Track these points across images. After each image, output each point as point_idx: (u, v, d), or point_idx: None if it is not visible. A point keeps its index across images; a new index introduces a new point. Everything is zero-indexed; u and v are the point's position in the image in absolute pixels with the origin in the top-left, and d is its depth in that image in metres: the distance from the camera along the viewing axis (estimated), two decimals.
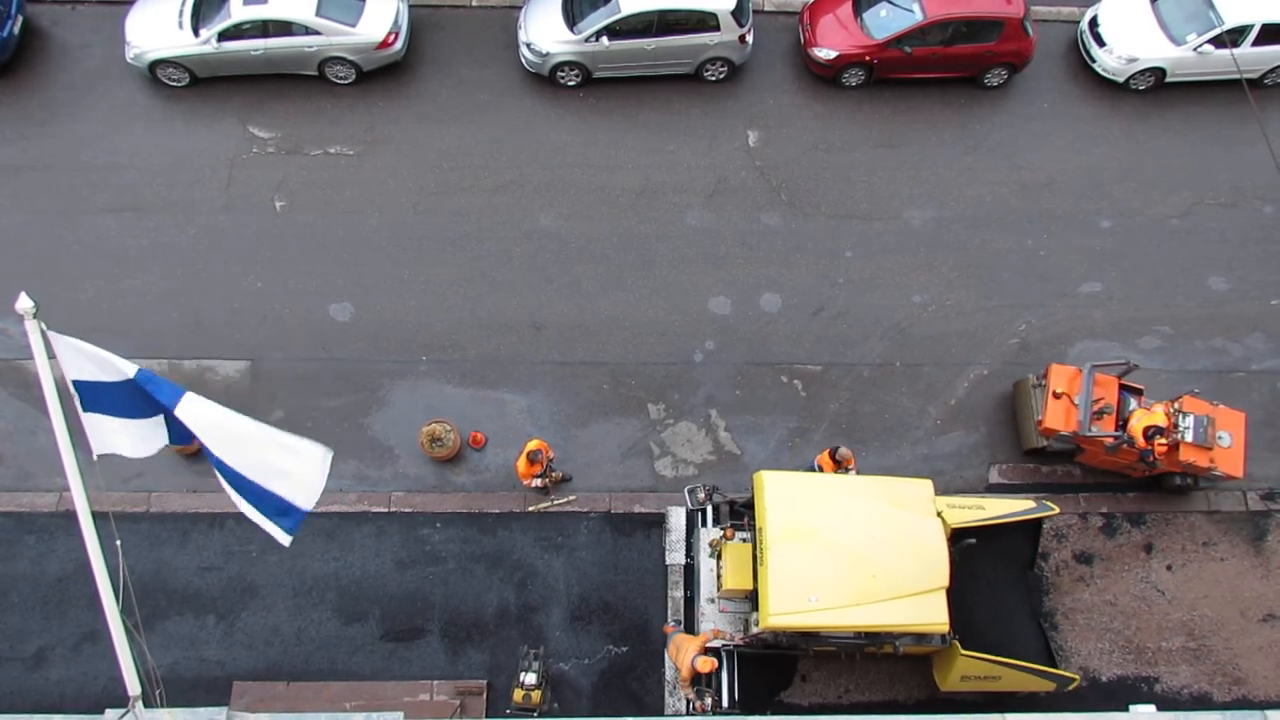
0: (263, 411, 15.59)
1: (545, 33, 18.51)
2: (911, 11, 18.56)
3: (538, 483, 15.27)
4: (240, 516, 15.53)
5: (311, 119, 18.51)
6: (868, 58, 18.79)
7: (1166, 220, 18.55)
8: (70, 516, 14.04)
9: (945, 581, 13.21)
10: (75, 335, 9.22)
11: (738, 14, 18.30)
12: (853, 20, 18.89)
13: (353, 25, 18.06)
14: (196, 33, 17.90)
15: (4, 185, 17.60)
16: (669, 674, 14.49)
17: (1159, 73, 19.26)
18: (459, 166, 18.25)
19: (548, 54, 18.51)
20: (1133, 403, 15.70)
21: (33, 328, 8.95)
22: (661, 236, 17.86)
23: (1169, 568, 16.14)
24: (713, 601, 14.14)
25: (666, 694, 14.50)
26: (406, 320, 16.98)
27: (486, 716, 14.44)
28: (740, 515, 14.61)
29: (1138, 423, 15.10)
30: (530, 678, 13.89)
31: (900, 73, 19.17)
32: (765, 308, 17.43)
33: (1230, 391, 17.18)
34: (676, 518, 15.14)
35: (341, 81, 18.77)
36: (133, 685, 9.52)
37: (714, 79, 19.27)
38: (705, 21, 18.28)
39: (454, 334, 16.94)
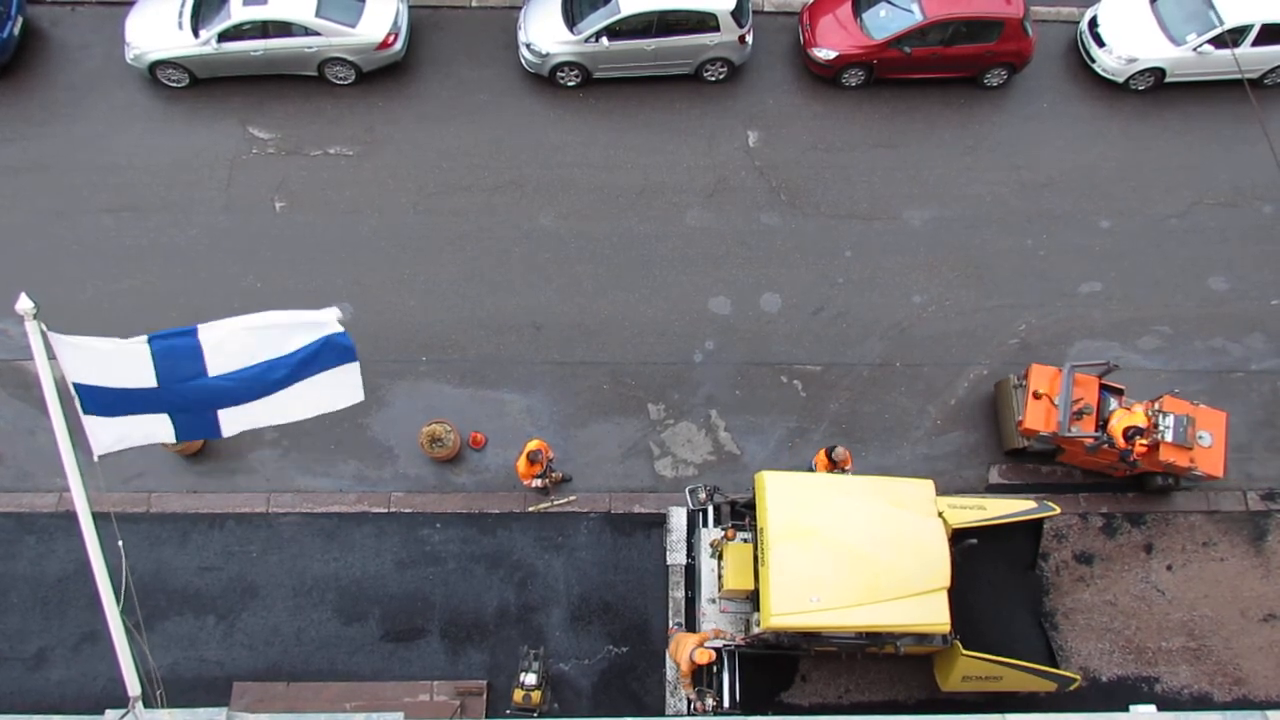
0: None
1: (545, 33, 18.52)
2: (911, 12, 18.56)
3: (538, 483, 15.27)
4: (240, 517, 15.65)
5: (311, 119, 18.51)
6: (868, 58, 18.79)
7: (1166, 220, 18.55)
8: (70, 517, 14.04)
9: (946, 582, 13.21)
10: (75, 335, 9.22)
11: (737, 14, 18.31)
12: (852, 20, 18.89)
13: (352, 26, 18.06)
14: (196, 33, 17.90)
15: (4, 186, 17.60)
16: (670, 674, 14.49)
17: (1159, 73, 19.26)
18: (459, 166, 18.25)
19: (547, 54, 18.51)
20: (1113, 403, 15.64)
21: (33, 328, 8.95)
22: (661, 236, 17.86)
23: (1169, 568, 16.14)
24: (714, 602, 14.14)
25: (668, 694, 14.50)
26: (406, 320, 16.98)
27: (486, 717, 14.44)
28: (741, 515, 14.61)
29: (1118, 423, 15.05)
30: (530, 678, 13.89)
31: (900, 73, 19.17)
32: (765, 307, 17.43)
33: (1230, 391, 17.19)
34: (677, 518, 15.14)
35: (341, 82, 18.77)
36: (133, 685, 9.52)
37: (714, 79, 19.27)
38: (705, 22, 18.28)
39: (454, 334, 16.94)
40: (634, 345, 17.02)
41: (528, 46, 18.65)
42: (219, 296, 16.92)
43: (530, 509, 15.84)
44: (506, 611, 15.21)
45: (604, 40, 18.27)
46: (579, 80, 18.94)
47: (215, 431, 10.15)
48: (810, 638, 13.52)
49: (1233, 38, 18.50)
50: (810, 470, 15.25)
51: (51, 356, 9.10)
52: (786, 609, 12.83)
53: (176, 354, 9.45)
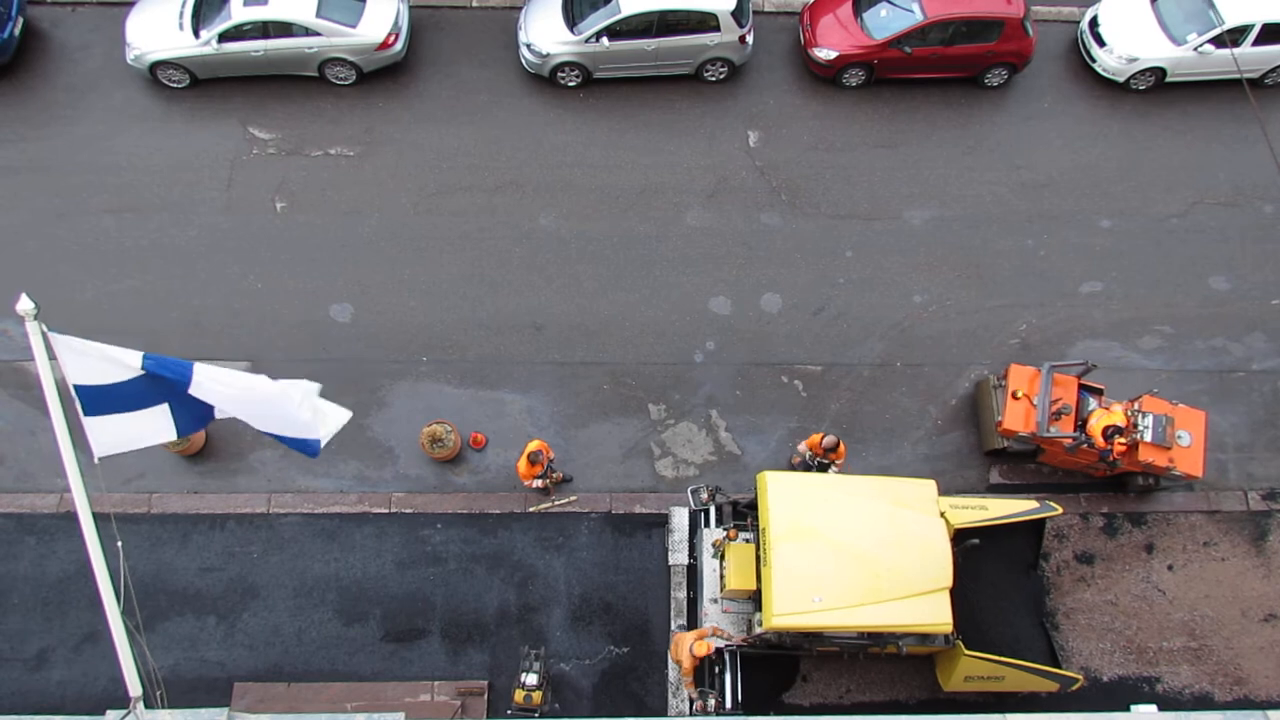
0: None
1: (545, 33, 18.51)
2: (911, 11, 18.56)
3: (538, 483, 15.26)
4: (241, 518, 15.66)
5: (312, 120, 18.51)
6: (868, 58, 18.79)
7: (1167, 220, 18.55)
8: (71, 517, 14.02)
9: (949, 582, 13.20)
10: (76, 336, 9.21)
11: (738, 14, 18.31)
12: (853, 20, 18.89)
13: (353, 26, 18.06)
14: (197, 34, 17.90)
15: (4, 186, 17.60)
16: (672, 675, 14.48)
17: (1159, 72, 19.26)
18: (459, 167, 18.25)
19: (548, 54, 18.51)
20: (1092, 403, 15.58)
21: (33, 329, 8.95)
22: (662, 236, 17.86)
23: (1170, 568, 16.14)
24: (716, 602, 14.13)
25: (669, 695, 14.49)
26: (407, 321, 16.98)
27: (487, 717, 14.43)
28: (743, 516, 14.61)
29: (1096, 423, 15.01)
30: (531, 678, 13.90)
31: (900, 73, 19.17)
32: (765, 308, 17.43)
33: (1231, 391, 17.19)
34: (679, 518, 15.14)
35: (342, 82, 18.77)
36: (134, 686, 9.52)
37: (714, 79, 19.27)
38: (705, 22, 18.28)
39: (454, 334, 16.94)
40: (634, 345, 17.02)
41: (528, 47, 18.65)
42: (219, 297, 16.93)
43: (531, 509, 15.83)
44: (507, 612, 15.21)
45: (604, 40, 18.27)
46: (579, 80, 18.94)
47: (209, 412, 10.19)
48: (812, 638, 13.52)
49: (1233, 37, 18.51)
50: (800, 454, 15.21)
51: (52, 357, 9.10)
52: (789, 609, 12.83)
53: (166, 366, 9.55)
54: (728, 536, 14.06)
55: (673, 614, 14.77)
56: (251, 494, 15.73)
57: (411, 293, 17.18)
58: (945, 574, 13.21)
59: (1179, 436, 15.33)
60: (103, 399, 9.54)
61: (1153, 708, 12.95)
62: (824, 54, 18.89)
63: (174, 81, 18.44)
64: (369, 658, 14.88)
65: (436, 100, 18.88)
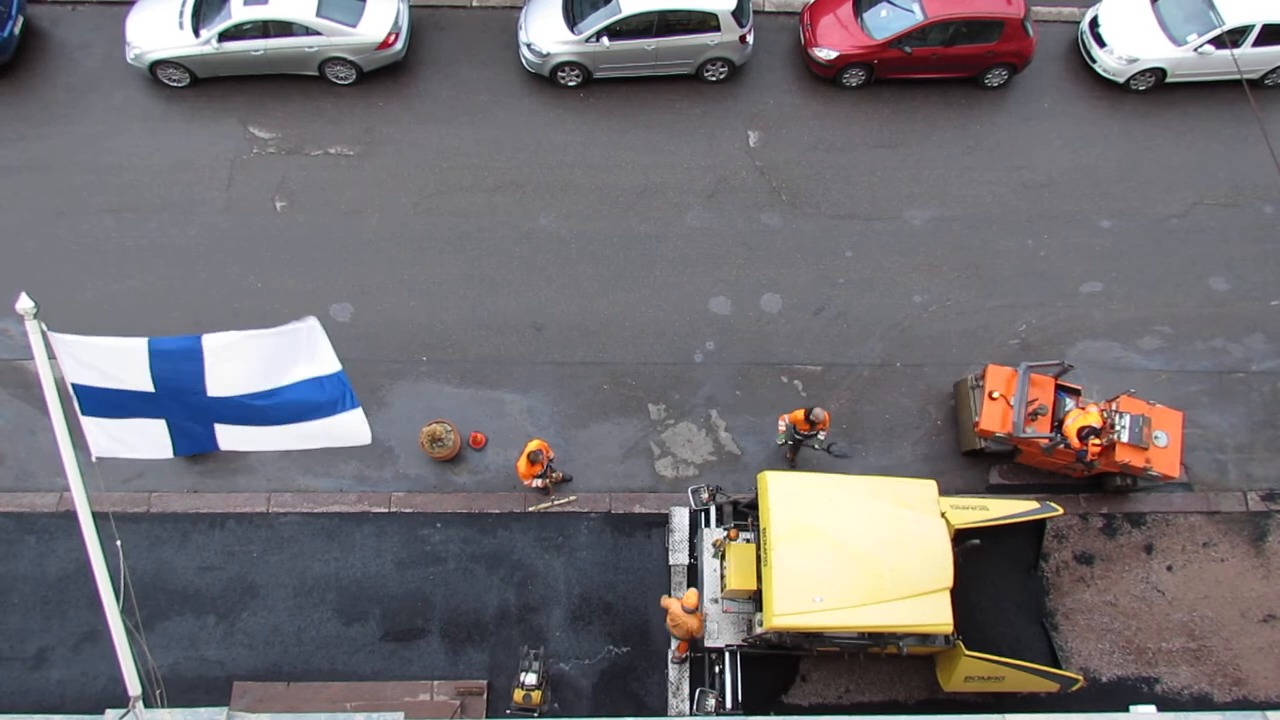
0: None
1: (546, 33, 18.51)
2: (912, 12, 18.56)
3: (538, 483, 15.26)
4: (241, 517, 15.65)
5: (312, 119, 18.50)
6: (868, 58, 18.79)
7: (1167, 220, 18.55)
8: (70, 516, 14.04)
9: (949, 582, 13.20)
10: (76, 335, 9.21)
11: (738, 14, 18.30)
12: (853, 20, 18.89)
13: (353, 26, 18.06)
14: (197, 33, 17.90)
15: (4, 186, 17.59)
16: (672, 675, 14.48)
17: (1159, 73, 19.26)
18: (459, 166, 18.25)
19: (548, 54, 18.51)
20: (1069, 403, 15.53)
21: (33, 328, 8.94)
22: (662, 236, 17.85)
23: (1169, 568, 16.14)
24: (716, 602, 14.13)
25: (669, 695, 14.49)
26: (407, 320, 16.98)
27: (486, 717, 14.44)
28: (744, 516, 14.61)
29: (1072, 423, 14.95)
30: (530, 678, 13.89)
31: (900, 73, 19.17)
32: (765, 308, 17.43)
33: (1230, 392, 17.20)
34: (680, 518, 15.14)
35: (342, 82, 18.77)
36: (133, 685, 9.51)
37: (714, 79, 19.27)
38: (706, 22, 18.28)
39: (454, 334, 16.93)
40: (634, 345, 17.02)
41: (528, 46, 18.65)
42: (219, 296, 16.93)
43: (531, 509, 15.83)
44: (507, 611, 15.21)
45: (605, 40, 18.27)
46: (579, 80, 18.93)
47: (212, 444, 10.13)
48: (813, 638, 13.53)
49: (1233, 38, 18.51)
50: (786, 429, 15.17)
51: (52, 356, 9.10)
52: (789, 609, 12.83)
53: (176, 358, 9.41)
54: (728, 536, 14.06)
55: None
56: (251, 493, 15.73)
57: (411, 292, 17.18)
58: (946, 574, 13.21)
59: (1156, 437, 15.28)
60: (100, 400, 9.54)
61: (1152, 708, 12.93)
62: (824, 54, 18.88)
63: (174, 81, 18.44)
64: (368, 657, 14.88)
65: (437, 100, 18.88)
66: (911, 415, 16.80)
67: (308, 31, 17.90)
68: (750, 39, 18.74)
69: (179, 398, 9.61)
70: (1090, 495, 16.48)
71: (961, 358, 17.17)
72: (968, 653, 13.61)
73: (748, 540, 13.98)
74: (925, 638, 13.57)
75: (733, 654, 13.92)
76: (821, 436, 15.18)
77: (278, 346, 9.60)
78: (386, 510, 15.75)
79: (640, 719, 14.31)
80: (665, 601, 13.78)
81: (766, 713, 14.64)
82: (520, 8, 19.28)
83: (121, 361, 9.33)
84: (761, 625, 13.28)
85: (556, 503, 15.85)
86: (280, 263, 17.28)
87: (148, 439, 9.94)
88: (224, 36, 17.80)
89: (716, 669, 13.93)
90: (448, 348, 16.83)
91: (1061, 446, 15.15)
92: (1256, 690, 15.47)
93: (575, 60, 18.56)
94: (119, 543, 9.48)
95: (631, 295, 17.38)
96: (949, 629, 13.12)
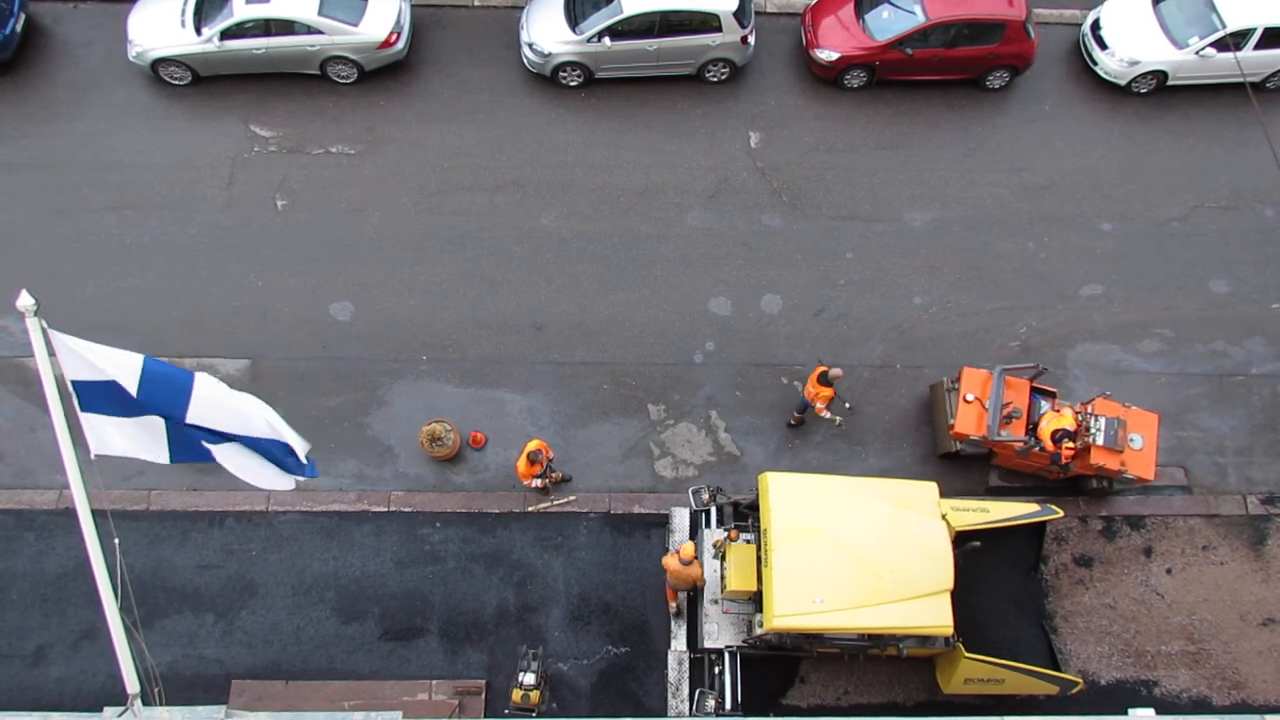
0: None
1: (547, 33, 18.51)
2: (913, 13, 18.55)
3: (538, 483, 15.26)
4: (240, 515, 15.64)
5: (313, 118, 18.50)
6: (870, 59, 18.79)
7: (1167, 223, 18.55)
8: (70, 514, 14.04)
9: (950, 584, 13.20)
10: (76, 333, 9.21)
11: (740, 15, 18.30)
12: (854, 22, 18.89)
13: (355, 25, 18.06)
14: (199, 31, 17.90)
15: (5, 183, 17.59)
16: (672, 676, 14.46)
17: (1161, 75, 19.26)
18: (460, 166, 18.25)
19: (550, 54, 18.51)
20: (1043, 406, 15.50)
21: (33, 325, 8.93)
22: (662, 237, 17.85)
23: (1169, 571, 16.13)
24: (716, 603, 14.13)
25: (669, 695, 14.47)
26: (407, 319, 16.98)
27: (485, 716, 14.42)
28: (744, 516, 14.60)
29: (1046, 426, 14.94)
30: (529, 678, 13.87)
31: (902, 74, 19.17)
32: (766, 309, 17.42)
33: (1231, 395, 17.19)
34: (680, 518, 15.13)
35: (343, 81, 18.77)
36: (131, 683, 9.50)
37: (716, 80, 19.27)
38: (707, 22, 18.28)
39: (454, 334, 16.93)
40: (634, 346, 17.01)
41: (530, 46, 18.65)
42: (220, 294, 16.93)
43: (530, 509, 15.83)
44: (505, 611, 15.20)
45: (606, 40, 18.27)
46: (581, 80, 18.93)
47: (208, 456, 10.19)
48: (813, 639, 13.52)
49: (1235, 41, 18.50)
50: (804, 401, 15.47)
51: (52, 354, 9.09)
52: (790, 610, 12.82)
53: (165, 381, 9.59)
54: (729, 537, 14.06)
55: (672, 614, 14.76)
56: (250, 491, 15.54)
57: (412, 292, 17.18)
58: (946, 576, 13.21)
59: (1131, 439, 15.24)
60: (99, 397, 9.54)
61: (1150, 711, 12.88)
62: (826, 55, 18.88)
63: (176, 79, 18.44)
64: (367, 656, 14.87)
65: (438, 99, 18.88)
66: (911, 417, 16.79)
67: (309, 30, 17.90)
68: (752, 40, 18.74)
69: (160, 413, 9.78)
70: (1090, 498, 16.46)
71: (962, 360, 17.14)
72: (968, 655, 13.60)
73: (748, 541, 13.98)
74: (925, 639, 13.56)
75: (732, 655, 13.91)
76: (828, 413, 15.43)
77: (263, 414, 10.08)
78: (386, 509, 15.75)
79: (639, 719, 14.31)
80: (665, 561, 13.88)
81: (765, 714, 14.62)
82: (522, 7, 19.28)
83: (116, 362, 9.37)
84: (761, 626, 13.27)
85: (556, 503, 15.84)
86: (281, 261, 17.28)
87: (144, 440, 9.94)
88: (226, 35, 17.80)
89: (716, 670, 13.92)
90: (448, 347, 16.83)
91: (1036, 450, 15.13)
92: (1255, 694, 15.46)
93: (577, 60, 18.56)
94: (118, 540, 9.47)
95: (632, 295, 17.38)
96: (949, 631, 13.11)
